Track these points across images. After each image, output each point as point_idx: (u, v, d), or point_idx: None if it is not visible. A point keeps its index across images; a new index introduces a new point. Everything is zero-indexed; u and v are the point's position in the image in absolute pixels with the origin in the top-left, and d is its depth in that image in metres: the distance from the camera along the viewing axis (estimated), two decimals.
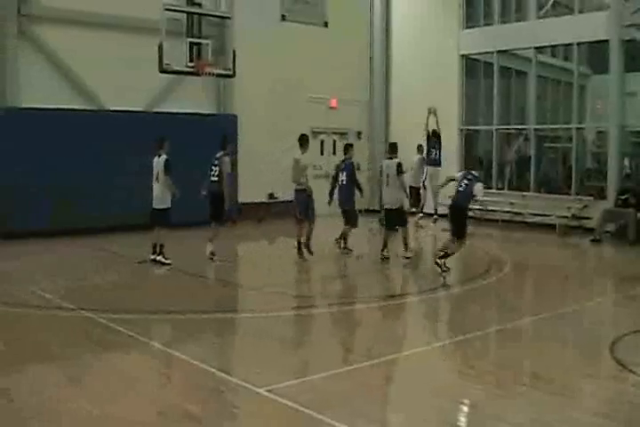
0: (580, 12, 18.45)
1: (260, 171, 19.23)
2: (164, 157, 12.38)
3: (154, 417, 5.63)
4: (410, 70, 22.11)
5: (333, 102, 21.64)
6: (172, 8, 15.52)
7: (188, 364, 6.90)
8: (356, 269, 13.01)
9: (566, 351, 7.74)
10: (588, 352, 7.66)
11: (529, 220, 18.27)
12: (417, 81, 21.74)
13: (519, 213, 18.65)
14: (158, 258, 12.27)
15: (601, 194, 17.80)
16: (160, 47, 14.83)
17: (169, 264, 12.13)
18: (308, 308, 9.65)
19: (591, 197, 17.94)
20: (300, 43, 20.42)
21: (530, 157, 19.76)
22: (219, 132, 18.30)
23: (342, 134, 22.16)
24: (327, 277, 12.30)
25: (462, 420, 5.82)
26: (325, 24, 21.34)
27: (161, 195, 12.29)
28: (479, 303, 10.32)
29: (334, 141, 21.94)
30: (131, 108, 17.02)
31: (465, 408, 5.98)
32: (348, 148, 14.25)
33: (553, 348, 7.72)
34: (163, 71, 15.20)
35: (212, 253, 12.72)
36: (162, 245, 12.35)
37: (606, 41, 17.63)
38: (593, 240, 16.06)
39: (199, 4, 16.45)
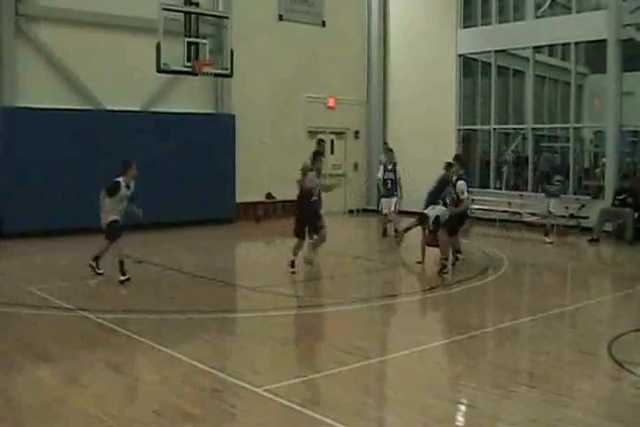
0: (578, 11, 18.46)
1: (258, 170, 19.25)
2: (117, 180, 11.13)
3: (151, 417, 5.61)
4: (407, 70, 22.12)
5: (331, 102, 21.65)
6: (170, 8, 15.57)
7: (186, 364, 6.89)
8: (358, 269, 13.01)
9: (564, 351, 7.74)
10: (586, 352, 7.64)
11: (527, 219, 18.25)
12: (414, 80, 21.78)
13: (517, 213, 18.63)
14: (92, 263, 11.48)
15: (598, 193, 17.84)
16: (158, 47, 14.85)
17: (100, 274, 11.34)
18: (307, 308, 9.64)
19: (589, 197, 17.98)
20: (297, 42, 20.46)
21: (527, 157, 19.76)
22: (217, 131, 18.42)
23: (340, 134, 22.19)
24: (326, 277, 12.31)
25: (460, 420, 5.82)
26: (323, 23, 21.36)
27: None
28: (477, 303, 10.34)
29: (332, 141, 21.97)
30: (128, 108, 17.02)
31: (462, 408, 5.98)
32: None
33: (551, 347, 7.73)
34: (160, 71, 15.24)
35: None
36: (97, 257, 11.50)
37: (604, 40, 17.64)
38: (591, 240, 16.07)
39: (197, 4, 16.49)
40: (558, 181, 17.16)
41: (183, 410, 5.70)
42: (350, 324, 9.09)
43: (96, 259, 11.50)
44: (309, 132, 21.24)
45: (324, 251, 12.87)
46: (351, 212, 21.58)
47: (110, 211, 11.19)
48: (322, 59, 20.94)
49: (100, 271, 11.40)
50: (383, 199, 16.66)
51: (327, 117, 21.60)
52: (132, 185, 11.27)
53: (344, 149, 22.31)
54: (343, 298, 10.15)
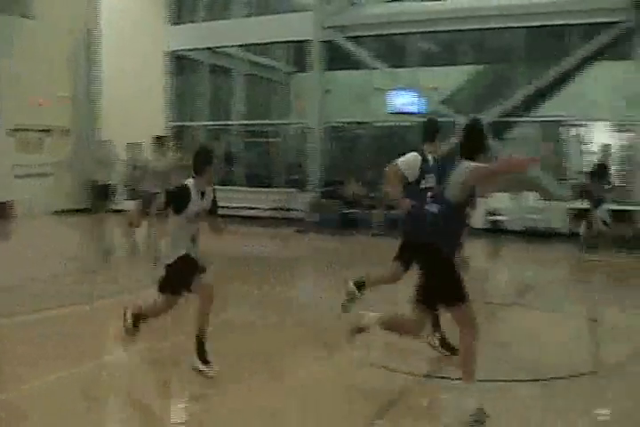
0: (285, 12, 19.21)
1: None
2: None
3: None
4: (120, 65, 21.56)
5: (39, 99, 20.59)
6: None
7: None
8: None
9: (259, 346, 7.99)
10: (299, 341, 7.91)
11: (240, 213, 18.61)
12: (129, 75, 21.31)
13: (226, 207, 18.90)
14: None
15: (303, 186, 18.74)
16: None
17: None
18: None
19: (294, 190, 18.81)
20: (3, 35, 19.20)
21: (232, 152, 20.31)
22: None
23: (47, 131, 21.23)
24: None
25: (176, 418, 5.89)
26: (30, 16, 20.25)
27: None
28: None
29: (40, 139, 20.99)
30: None
31: (181, 406, 6.08)
32: None
33: (266, 335, 7.94)
34: None
35: None
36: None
37: (309, 41, 18.54)
38: (298, 231, 16.91)
39: None
40: None
41: None
42: None
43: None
44: (14, 130, 20.05)
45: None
46: (58, 212, 20.49)
47: (177, 238, 6.62)
48: (29, 53, 19.80)
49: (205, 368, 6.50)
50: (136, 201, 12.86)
51: (35, 114, 20.50)
52: (207, 193, 6.78)
53: (52, 147, 21.40)
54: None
